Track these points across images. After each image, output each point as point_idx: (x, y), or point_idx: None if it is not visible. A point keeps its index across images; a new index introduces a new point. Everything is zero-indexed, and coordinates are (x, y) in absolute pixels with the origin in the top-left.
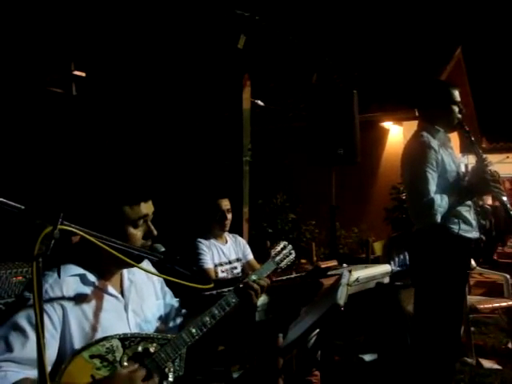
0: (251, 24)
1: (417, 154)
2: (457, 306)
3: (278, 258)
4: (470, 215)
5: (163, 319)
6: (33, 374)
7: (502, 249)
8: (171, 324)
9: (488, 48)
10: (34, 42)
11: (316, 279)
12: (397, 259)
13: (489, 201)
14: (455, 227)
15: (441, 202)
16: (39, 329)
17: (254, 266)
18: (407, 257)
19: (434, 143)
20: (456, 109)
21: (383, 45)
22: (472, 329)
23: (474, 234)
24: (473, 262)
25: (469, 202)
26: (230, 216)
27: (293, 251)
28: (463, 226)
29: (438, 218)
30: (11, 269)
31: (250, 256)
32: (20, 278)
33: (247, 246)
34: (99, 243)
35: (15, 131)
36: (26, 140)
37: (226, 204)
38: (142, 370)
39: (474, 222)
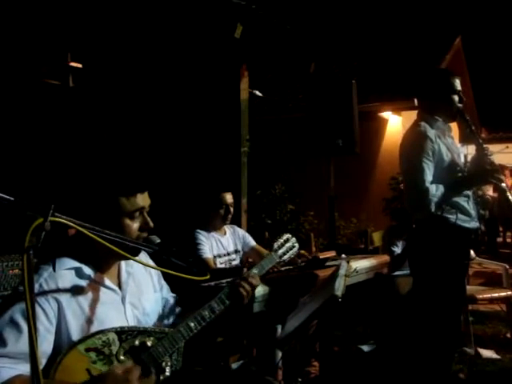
0: (248, 13)
1: (413, 144)
2: (456, 296)
3: (280, 250)
4: (468, 205)
5: (160, 313)
6: (27, 368)
7: (502, 239)
8: (165, 320)
9: (488, 37)
10: (30, 32)
11: (313, 270)
12: (397, 249)
13: (490, 191)
14: (452, 217)
15: (435, 191)
16: (31, 322)
17: (259, 251)
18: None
19: (431, 133)
20: (456, 98)
21: (382, 34)
22: (471, 319)
23: (472, 224)
24: (472, 253)
25: (467, 192)
26: (232, 210)
27: (296, 244)
28: (461, 216)
29: (433, 208)
30: (7, 262)
31: (253, 242)
32: (16, 271)
33: (247, 234)
34: (92, 235)
35: (10, 123)
36: (21, 132)
37: (229, 197)
38: (138, 368)
39: (473, 212)
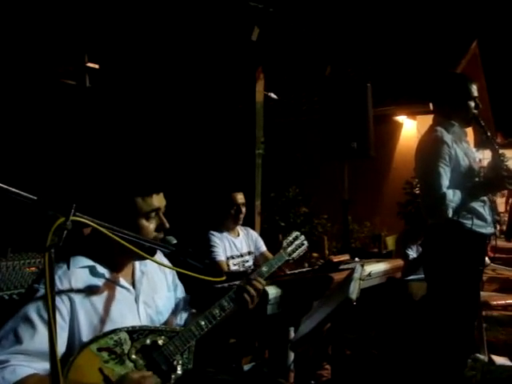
0: (265, 16)
1: (430, 149)
2: (470, 302)
3: (289, 248)
4: (484, 210)
5: (173, 312)
6: (41, 366)
7: None
8: (178, 319)
9: (504, 42)
10: (48, 33)
11: (327, 273)
12: (410, 253)
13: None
14: (468, 222)
15: (453, 197)
16: (51, 320)
17: (268, 258)
18: (419, 249)
19: (448, 138)
20: (472, 104)
21: (398, 38)
22: (484, 325)
23: (488, 229)
24: (487, 259)
25: (483, 197)
26: (244, 210)
27: (305, 242)
28: (477, 222)
29: (450, 213)
30: (24, 259)
31: (263, 248)
32: (33, 268)
33: (259, 239)
34: (111, 235)
35: (29, 123)
36: (39, 132)
37: (240, 198)
38: (154, 376)
39: (488, 218)
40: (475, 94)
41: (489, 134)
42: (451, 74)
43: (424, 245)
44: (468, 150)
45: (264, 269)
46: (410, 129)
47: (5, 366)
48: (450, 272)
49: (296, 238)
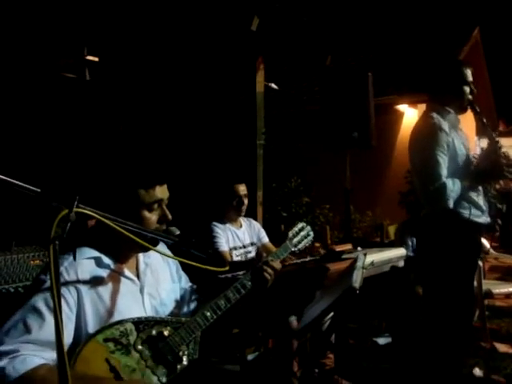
0: (265, 6)
1: (427, 137)
2: (466, 291)
3: (295, 239)
4: (480, 200)
5: (178, 303)
6: (51, 356)
7: None
8: (185, 308)
9: (506, 29)
10: (47, 26)
11: (329, 263)
12: (410, 243)
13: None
14: (466, 212)
15: (453, 186)
16: (57, 312)
17: (270, 249)
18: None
19: (445, 125)
20: (467, 89)
21: (399, 26)
22: (487, 313)
23: (484, 218)
24: (488, 246)
25: (479, 187)
26: (246, 201)
27: (311, 232)
28: (474, 211)
29: (451, 203)
30: (29, 252)
31: (266, 239)
32: (37, 261)
33: (262, 230)
34: (115, 226)
35: (30, 116)
36: (40, 125)
37: (242, 189)
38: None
39: (484, 207)
40: (470, 78)
41: (484, 120)
42: (445, 59)
43: (418, 235)
44: (463, 138)
45: (270, 259)
46: (412, 118)
47: (15, 356)
48: (446, 261)
49: (302, 229)
